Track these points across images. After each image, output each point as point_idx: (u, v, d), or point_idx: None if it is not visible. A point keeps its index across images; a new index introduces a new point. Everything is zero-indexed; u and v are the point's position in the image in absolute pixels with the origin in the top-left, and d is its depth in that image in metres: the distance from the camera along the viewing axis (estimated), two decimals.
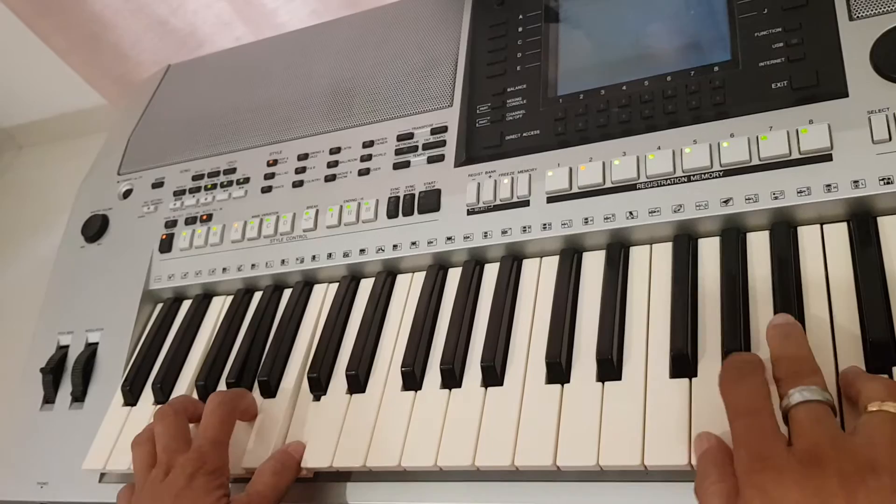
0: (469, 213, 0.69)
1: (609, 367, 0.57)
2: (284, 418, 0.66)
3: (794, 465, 0.42)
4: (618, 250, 0.63)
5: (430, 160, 0.74)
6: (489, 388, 0.60)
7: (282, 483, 0.61)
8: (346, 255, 0.73)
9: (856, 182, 0.56)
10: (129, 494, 0.62)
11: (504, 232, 0.67)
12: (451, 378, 0.62)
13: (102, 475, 0.72)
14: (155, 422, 0.64)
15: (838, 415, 0.47)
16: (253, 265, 0.77)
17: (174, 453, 0.60)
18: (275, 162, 0.83)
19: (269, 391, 0.68)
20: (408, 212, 0.72)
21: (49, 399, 0.79)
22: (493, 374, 0.60)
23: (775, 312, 0.55)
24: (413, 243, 0.71)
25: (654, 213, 0.62)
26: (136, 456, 0.63)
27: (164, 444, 0.62)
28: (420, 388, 0.63)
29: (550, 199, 0.67)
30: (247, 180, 0.83)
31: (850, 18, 0.62)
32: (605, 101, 0.69)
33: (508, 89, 0.74)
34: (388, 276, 0.72)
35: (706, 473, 0.47)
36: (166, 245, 0.83)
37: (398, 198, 0.73)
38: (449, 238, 0.69)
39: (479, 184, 0.70)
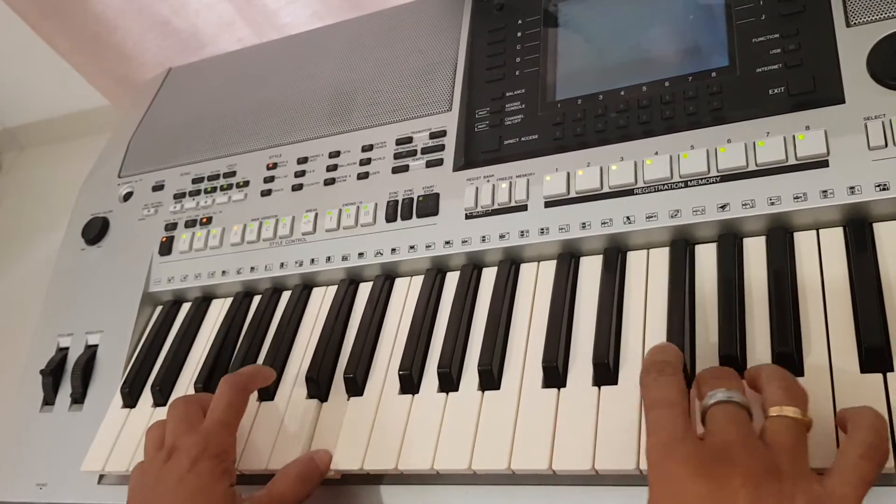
0: (467, 217, 0.70)
1: (605, 372, 0.57)
2: (280, 421, 0.66)
3: (702, 459, 0.43)
4: (615, 255, 0.64)
5: (429, 164, 0.74)
6: (486, 392, 0.60)
7: (304, 490, 0.60)
8: (344, 258, 0.74)
9: (852, 188, 0.57)
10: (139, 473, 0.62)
11: (502, 236, 0.67)
12: (449, 382, 0.62)
13: (101, 477, 0.72)
14: (168, 409, 0.63)
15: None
16: (252, 268, 0.78)
17: (179, 435, 0.59)
18: (274, 165, 0.83)
19: (268, 394, 0.69)
20: (406, 216, 0.72)
21: (49, 401, 0.80)
22: (490, 379, 0.60)
23: (771, 318, 0.55)
24: (411, 247, 0.71)
25: (652, 218, 0.62)
26: (147, 439, 0.63)
27: (172, 427, 0.61)
28: (417, 392, 0.63)
29: (548, 204, 0.67)
30: (246, 183, 0.83)
31: (848, 25, 0.62)
32: (604, 106, 0.69)
33: (507, 94, 0.74)
34: (386, 279, 0.72)
35: None
36: (166, 248, 0.83)
37: (397, 202, 0.73)
38: (447, 242, 0.70)
39: (477, 188, 0.70)
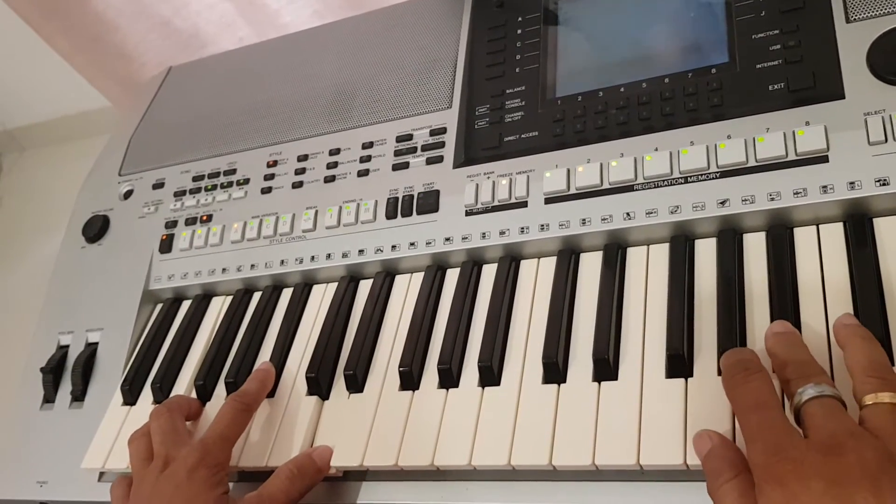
0: (467, 213, 0.70)
1: (605, 367, 0.57)
2: (280, 418, 0.66)
3: (813, 456, 0.41)
4: (615, 251, 0.64)
5: (429, 161, 0.74)
6: (486, 388, 0.60)
7: (295, 488, 0.60)
8: (344, 255, 0.74)
9: (852, 183, 0.57)
10: (124, 488, 0.63)
11: (502, 233, 0.68)
12: (449, 378, 0.62)
13: (101, 474, 0.72)
14: (150, 419, 0.64)
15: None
16: (252, 266, 0.78)
17: (173, 446, 0.61)
18: (275, 163, 0.83)
19: (269, 391, 0.68)
20: (406, 213, 0.72)
21: (49, 398, 0.80)
22: (491, 375, 0.60)
23: (771, 313, 0.55)
24: (411, 244, 0.71)
25: (652, 214, 0.62)
26: (133, 450, 0.63)
27: (160, 439, 0.62)
28: (417, 389, 0.63)
29: (548, 200, 0.67)
30: (247, 181, 0.83)
31: (847, 20, 0.62)
32: (604, 102, 0.69)
33: (507, 91, 0.74)
34: (386, 276, 0.72)
35: (718, 471, 0.46)
36: (166, 245, 0.83)
37: (397, 199, 0.73)
38: (447, 239, 0.70)
39: (477, 185, 0.70)
